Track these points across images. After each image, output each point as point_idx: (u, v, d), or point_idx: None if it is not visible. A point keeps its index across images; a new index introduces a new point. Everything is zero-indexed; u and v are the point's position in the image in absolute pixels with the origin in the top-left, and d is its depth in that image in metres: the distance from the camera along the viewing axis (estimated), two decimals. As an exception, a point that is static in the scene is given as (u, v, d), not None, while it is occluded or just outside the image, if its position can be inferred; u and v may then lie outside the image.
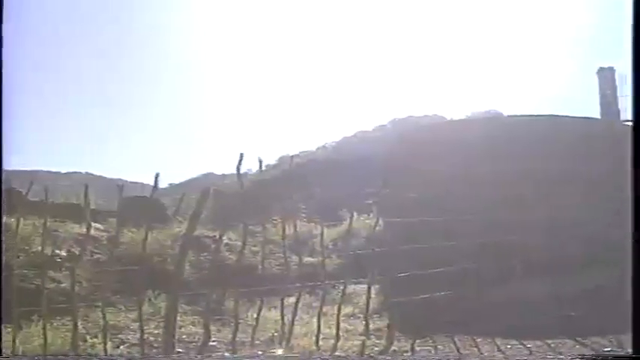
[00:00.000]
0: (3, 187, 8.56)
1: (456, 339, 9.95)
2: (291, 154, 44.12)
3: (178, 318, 9.35)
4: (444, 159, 15.95)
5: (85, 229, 11.40)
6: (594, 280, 13.05)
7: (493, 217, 14.33)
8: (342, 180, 28.37)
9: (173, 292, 9.11)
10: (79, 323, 8.52)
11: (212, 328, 9.41)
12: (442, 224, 13.80)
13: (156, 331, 9.60)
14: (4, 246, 9.24)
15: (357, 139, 42.37)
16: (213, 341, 9.19)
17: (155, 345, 9.06)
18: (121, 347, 9.18)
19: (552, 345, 9.32)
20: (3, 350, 7.81)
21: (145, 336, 8.82)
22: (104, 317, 8.61)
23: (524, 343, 9.55)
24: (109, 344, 8.68)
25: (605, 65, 23.22)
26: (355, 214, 17.76)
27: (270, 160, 42.42)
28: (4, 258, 8.82)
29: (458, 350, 9.43)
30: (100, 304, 9.01)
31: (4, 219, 9.42)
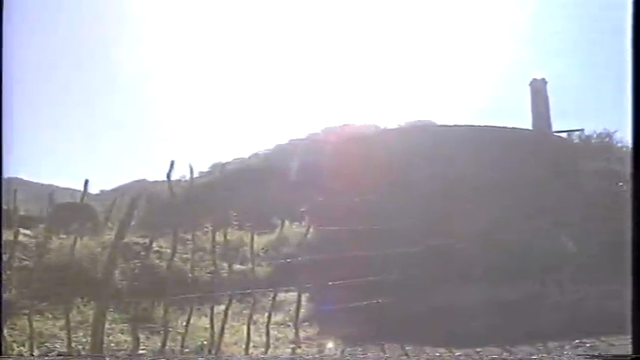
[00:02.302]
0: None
1: (385, 347, 10.07)
2: (223, 162, 44.08)
3: (107, 326, 9.26)
4: (377, 167, 16.20)
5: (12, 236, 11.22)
6: (520, 289, 13.39)
7: (423, 226, 14.61)
8: (275, 188, 28.42)
9: (102, 299, 9.04)
10: (4, 331, 8.40)
11: (141, 336, 9.37)
12: (373, 232, 13.99)
13: (84, 339, 9.47)
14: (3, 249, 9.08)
15: (291, 147, 42.27)
16: (142, 349, 9.13)
17: (83, 353, 8.96)
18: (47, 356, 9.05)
19: (480, 353, 9.49)
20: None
21: (73, 344, 8.73)
22: (31, 325, 8.50)
23: (453, 351, 9.69)
24: (36, 352, 8.57)
25: (539, 76, 23.82)
26: (287, 221, 17.87)
27: (203, 167, 42.25)
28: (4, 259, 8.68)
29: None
30: (27, 311, 8.89)
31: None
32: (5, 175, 7.47)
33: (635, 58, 5.83)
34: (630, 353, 6.76)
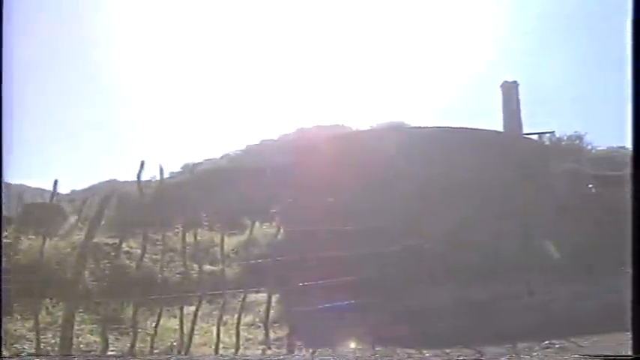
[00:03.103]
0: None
1: (356, 347, 10.11)
2: (194, 162, 43.91)
3: (76, 327, 9.23)
4: (349, 169, 16.28)
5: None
6: (488, 290, 13.51)
7: (394, 226, 14.71)
8: (246, 188, 28.39)
9: (70, 300, 9.02)
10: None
11: (110, 337, 9.35)
12: (344, 233, 14.07)
13: (53, 341, 9.45)
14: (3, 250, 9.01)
15: (263, 148, 42.24)
16: (112, 351, 9.12)
17: (52, 354, 8.93)
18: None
19: (451, 354, 9.55)
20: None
21: (42, 345, 8.70)
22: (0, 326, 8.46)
23: (423, 352, 9.74)
24: (5, 353, 8.52)
25: (510, 79, 24.12)
26: (257, 222, 17.87)
27: (174, 167, 42.06)
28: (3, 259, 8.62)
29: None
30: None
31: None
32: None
33: (635, 59, 5.91)
34: (631, 354, 6.80)
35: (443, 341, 10.03)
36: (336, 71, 63.68)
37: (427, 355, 9.62)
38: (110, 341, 9.19)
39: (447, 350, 9.63)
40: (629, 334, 10.50)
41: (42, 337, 8.78)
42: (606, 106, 59.00)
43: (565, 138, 43.89)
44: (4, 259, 11.90)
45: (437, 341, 10.05)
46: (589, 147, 45.55)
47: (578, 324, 11.31)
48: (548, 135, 31.13)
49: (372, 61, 63.40)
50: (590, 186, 24.01)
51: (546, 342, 10.24)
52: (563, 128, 46.15)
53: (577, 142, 45.08)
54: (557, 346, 10.10)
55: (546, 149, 28.91)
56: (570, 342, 10.27)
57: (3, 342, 8.50)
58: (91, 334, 10.38)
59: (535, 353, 9.54)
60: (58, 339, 8.90)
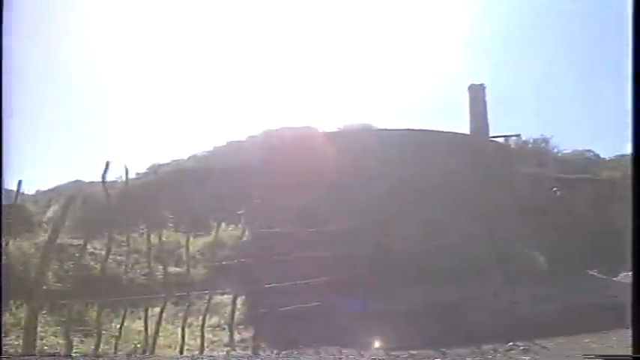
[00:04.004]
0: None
1: (321, 350, 10.14)
2: (161, 163, 43.67)
3: (39, 329, 9.16)
4: (316, 170, 16.30)
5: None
6: (456, 292, 13.62)
7: (362, 228, 14.77)
8: (213, 190, 28.28)
9: (34, 301, 8.94)
10: None
11: (75, 339, 9.30)
12: (310, 235, 14.10)
13: (16, 342, 9.36)
14: (3, 249, 8.90)
15: (229, 149, 42.03)
16: (75, 353, 9.06)
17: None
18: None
19: (416, 356, 9.61)
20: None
21: (5, 347, 8.62)
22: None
23: (391, 353, 9.78)
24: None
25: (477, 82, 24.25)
26: (223, 224, 17.84)
27: (140, 168, 41.77)
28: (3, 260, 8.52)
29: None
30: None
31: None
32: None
33: (635, 60, 5.99)
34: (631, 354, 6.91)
35: (409, 342, 10.10)
36: (305, 71, 63.59)
37: (393, 355, 9.69)
38: (74, 343, 9.12)
39: (413, 352, 9.70)
40: (592, 336, 10.70)
41: (5, 338, 8.67)
42: (574, 109, 59.81)
43: (531, 141, 44.44)
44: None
45: (403, 342, 10.12)
46: (555, 150, 46.16)
47: (542, 326, 11.46)
48: (514, 138, 31.42)
49: (341, 62, 63.49)
50: (555, 189, 24.30)
51: (510, 343, 10.34)
52: (529, 131, 46.70)
53: (543, 145, 45.65)
54: (521, 347, 10.21)
55: (512, 152, 29.19)
56: (534, 344, 10.39)
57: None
58: (55, 336, 10.30)
59: (499, 355, 9.64)
60: (21, 341, 8.81)
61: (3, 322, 8.13)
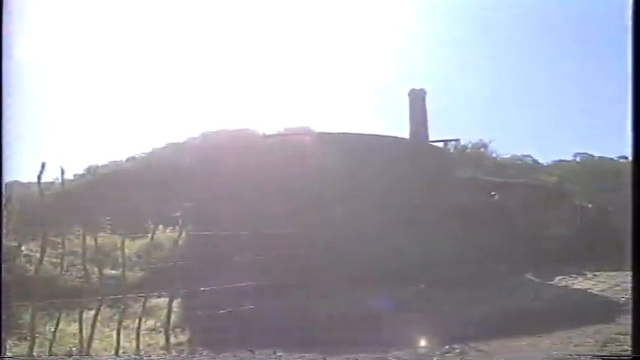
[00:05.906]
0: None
1: (257, 353, 10.15)
2: (99, 164, 43.08)
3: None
4: (256, 173, 16.33)
5: None
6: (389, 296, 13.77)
7: (299, 230, 14.82)
8: (151, 192, 28.05)
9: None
10: None
11: (8, 342, 9.18)
12: (248, 237, 14.12)
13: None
14: (4, 249, 8.65)
15: (168, 151, 41.64)
16: (9, 357, 8.95)
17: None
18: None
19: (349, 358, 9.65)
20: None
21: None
22: None
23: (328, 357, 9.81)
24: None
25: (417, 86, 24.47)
26: (160, 226, 17.74)
27: (78, 169, 41.10)
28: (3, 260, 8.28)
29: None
30: None
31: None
32: None
33: (635, 60, 6.08)
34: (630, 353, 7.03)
35: (341, 346, 10.13)
36: (243, 74, 63.30)
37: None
38: (8, 346, 9.01)
39: (348, 356, 9.74)
40: (528, 339, 10.90)
41: None
42: (512, 114, 60.74)
43: (470, 145, 45.12)
44: None
45: (336, 346, 10.14)
46: (493, 154, 46.94)
47: (477, 328, 11.64)
48: (453, 142, 31.82)
49: (280, 64, 63.46)
50: (493, 193, 24.74)
51: (447, 347, 10.44)
52: (468, 136, 47.34)
53: (482, 149, 46.39)
54: (457, 350, 10.33)
55: (451, 156, 29.61)
56: (469, 346, 10.51)
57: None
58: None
59: (436, 358, 9.73)
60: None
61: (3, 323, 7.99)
